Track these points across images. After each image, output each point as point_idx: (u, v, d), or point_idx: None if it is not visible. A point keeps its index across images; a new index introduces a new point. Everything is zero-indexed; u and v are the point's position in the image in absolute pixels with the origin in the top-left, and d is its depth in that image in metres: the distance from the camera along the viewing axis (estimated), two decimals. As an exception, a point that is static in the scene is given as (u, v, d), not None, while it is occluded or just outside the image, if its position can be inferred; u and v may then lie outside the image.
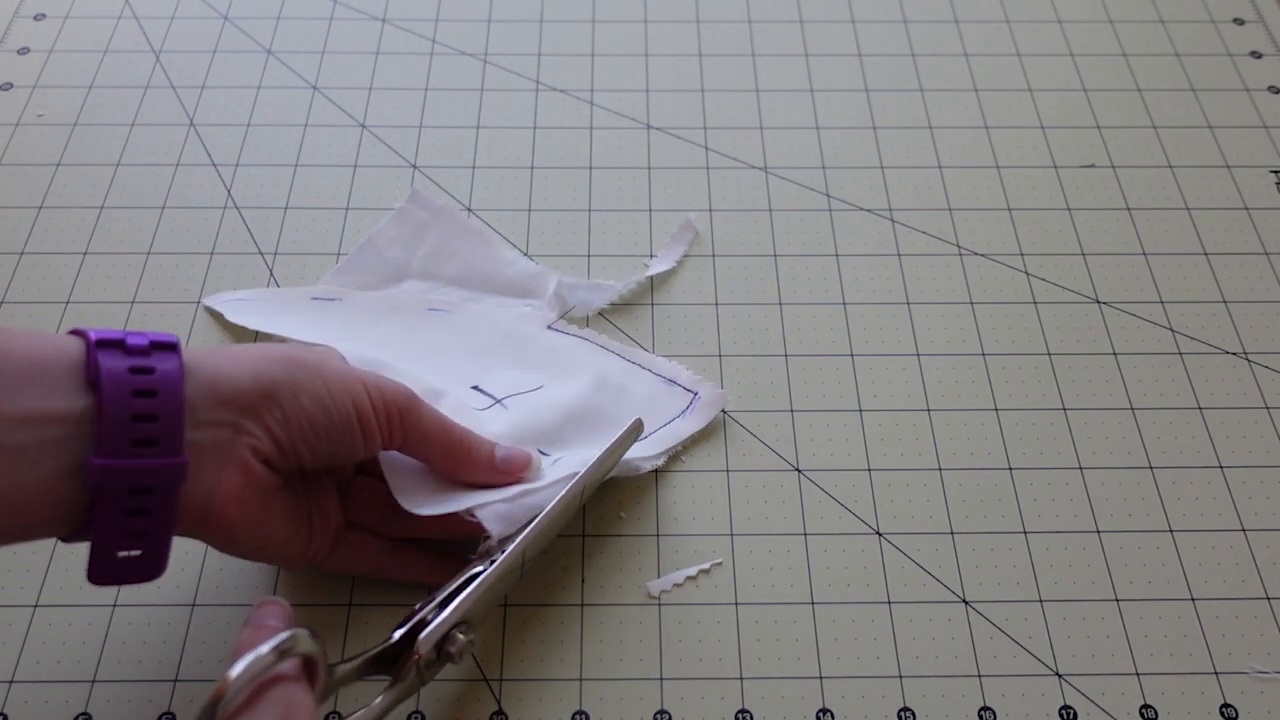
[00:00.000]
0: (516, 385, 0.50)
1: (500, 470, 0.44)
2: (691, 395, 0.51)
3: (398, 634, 0.39)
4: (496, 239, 0.57)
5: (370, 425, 0.40)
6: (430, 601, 0.40)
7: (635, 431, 0.46)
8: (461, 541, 0.45)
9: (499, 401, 0.47)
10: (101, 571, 0.36)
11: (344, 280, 0.55)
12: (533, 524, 0.42)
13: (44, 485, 0.33)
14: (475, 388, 0.50)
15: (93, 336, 0.35)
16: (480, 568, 0.41)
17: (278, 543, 0.40)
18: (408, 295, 0.54)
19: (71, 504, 0.34)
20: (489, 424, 0.47)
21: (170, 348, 0.36)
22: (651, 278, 0.56)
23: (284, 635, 0.33)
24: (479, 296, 0.55)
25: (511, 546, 0.41)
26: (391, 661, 0.39)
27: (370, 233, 0.57)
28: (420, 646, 0.38)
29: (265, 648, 0.32)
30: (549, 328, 0.53)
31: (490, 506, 0.42)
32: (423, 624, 0.39)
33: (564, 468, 0.44)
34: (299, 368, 0.39)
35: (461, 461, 0.43)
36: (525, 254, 0.57)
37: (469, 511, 0.42)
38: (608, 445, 0.45)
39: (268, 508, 0.39)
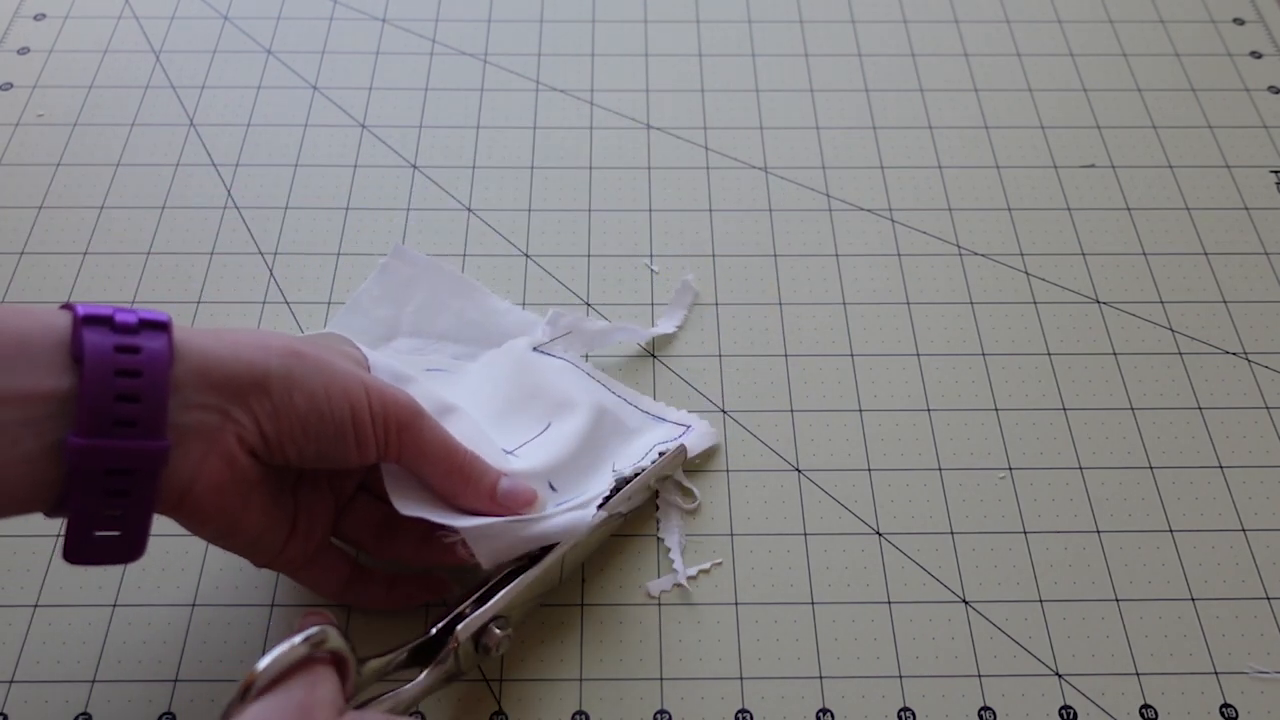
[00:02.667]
0: (524, 433, 0.48)
1: (499, 503, 0.42)
2: (683, 430, 0.50)
3: (435, 629, 0.40)
4: (486, 290, 0.55)
5: (365, 432, 0.39)
6: (468, 598, 0.41)
7: (680, 456, 0.48)
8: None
9: (511, 454, 0.46)
10: (77, 551, 0.35)
11: None
12: (561, 548, 0.43)
13: (24, 462, 0.33)
14: None
15: (80, 312, 0.34)
16: (520, 565, 0.42)
17: (247, 536, 0.39)
18: (402, 355, 0.52)
19: (52, 481, 0.33)
20: (506, 468, 0.45)
21: (160, 327, 0.35)
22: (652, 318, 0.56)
23: (314, 630, 0.33)
24: (474, 352, 0.53)
25: (555, 549, 0.42)
26: (428, 657, 0.39)
27: (355, 293, 0.54)
28: (459, 635, 0.39)
29: (296, 639, 0.32)
30: (535, 349, 0.51)
31: (485, 536, 0.41)
32: (460, 617, 0.40)
33: (576, 517, 0.43)
34: (299, 360, 0.38)
35: (460, 486, 0.41)
36: (524, 254, 0.57)
37: (463, 541, 0.41)
38: (647, 472, 0.46)
39: (246, 499, 0.38)
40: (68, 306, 0.35)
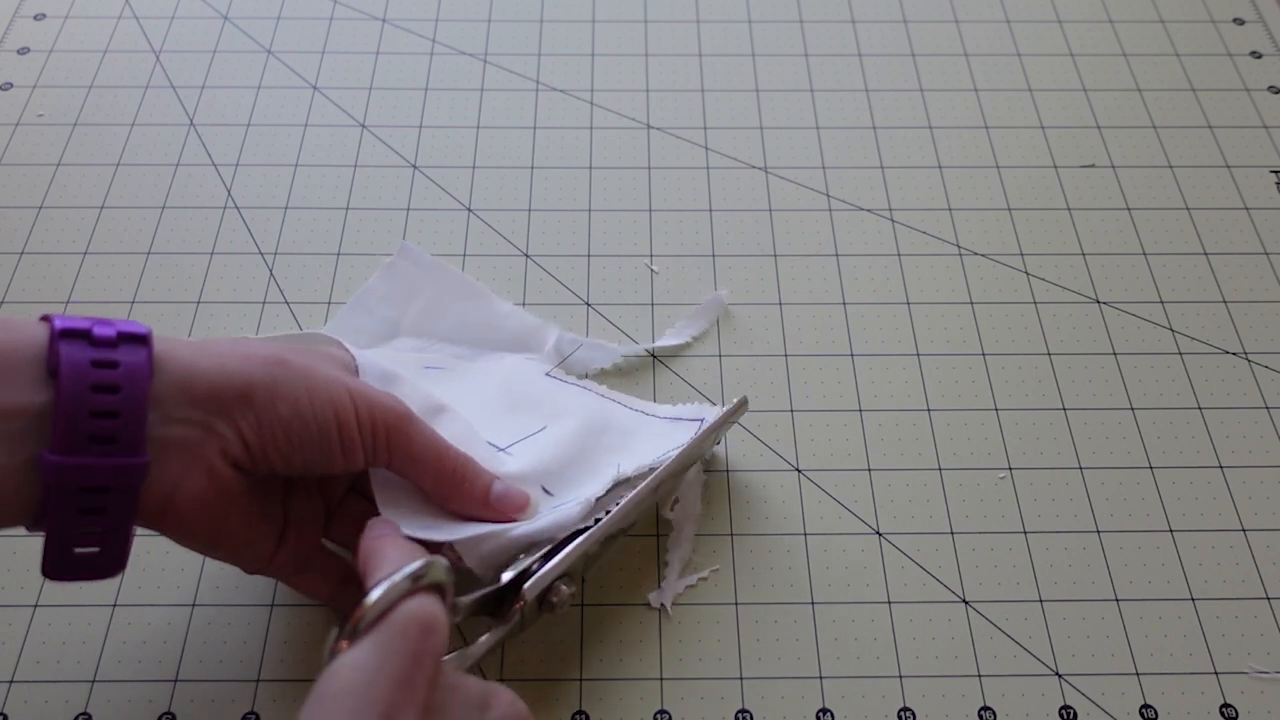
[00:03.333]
0: (519, 432, 0.47)
1: (493, 506, 0.41)
2: (698, 422, 0.49)
3: (506, 577, 0.40)
4: (490, 293, 0.55)
5: (351, 438, 0.38)
6: (536, 553, 0.41)
7: (740, 409, 0.48)
8: None
9: (504, 450, 0.46)
10: (56, 567, 0.34)
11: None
12: (640, 488, 0.43)
13: (1, 477, 0.32)
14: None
15: (57, 325, 0.33)
16: (586, 524, 0.42)
17: (234, 545, 0.39)
18: (402, 354, 0.51)
19: (28, 497, 0.33)
20: (499, 470, 0.45)
21: (140, 340, 0.34)
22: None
23: (419, 563, 0.32)
24: (474, 354, 0.52)
25: (616, 507, 0.42)
26: (496, 604, 0.40)
27: (359, 291, 0.54)
28: (526, 594, 0.39)
29: (399, 575, 0.31)
30: (547, 374, 0.51)
31: (475, 542, 0.41)
32: (528, 572, 0.40)
33: (565, 513, 0.42)
34: (282, 369, 0.37)
35: (453, 490, 0.41)
36: (524, 254, 0.57)
37: (451, 546, 0.41)
38: (710, 423, 0.46)
39: (229, 510, 0.37)
40: (47, 318, 0.34)
